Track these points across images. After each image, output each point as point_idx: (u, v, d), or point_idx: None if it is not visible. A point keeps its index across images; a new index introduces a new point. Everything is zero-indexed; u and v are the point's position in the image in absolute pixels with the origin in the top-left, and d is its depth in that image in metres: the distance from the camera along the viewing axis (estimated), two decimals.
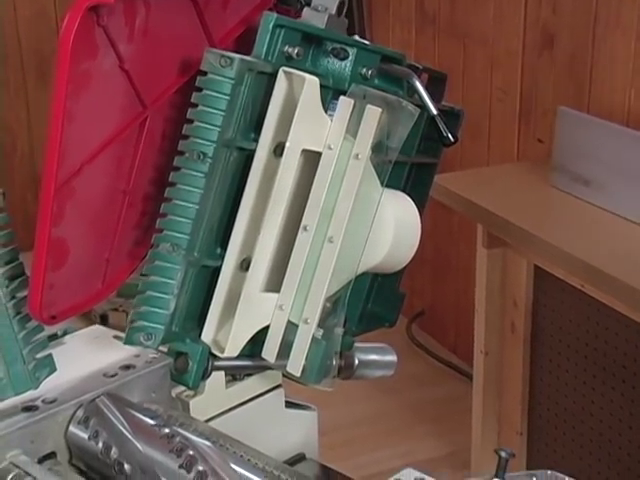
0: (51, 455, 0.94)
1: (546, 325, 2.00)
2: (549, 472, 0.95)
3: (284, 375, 1.18)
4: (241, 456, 0.91)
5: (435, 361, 3.13)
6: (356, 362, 1.21)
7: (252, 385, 1.14)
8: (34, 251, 0.89)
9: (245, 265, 1.06)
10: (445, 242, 3.10)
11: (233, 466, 0.87)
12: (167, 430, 0.91)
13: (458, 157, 2.76)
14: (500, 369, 2.13)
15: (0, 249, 0.92)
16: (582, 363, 1.95)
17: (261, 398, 1.15)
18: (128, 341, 1.00)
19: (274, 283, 1.07)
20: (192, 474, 0.87)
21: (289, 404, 1.20)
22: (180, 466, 0.88)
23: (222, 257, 1.05)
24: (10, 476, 0.90)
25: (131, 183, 0.98)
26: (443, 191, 2.02)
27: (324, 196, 1.04)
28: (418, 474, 0.85)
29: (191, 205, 0.99)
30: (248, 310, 1.06)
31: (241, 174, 1.04)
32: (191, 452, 0.89)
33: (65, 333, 1.06)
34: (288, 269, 1.06)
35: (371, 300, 1.31)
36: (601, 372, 1.91)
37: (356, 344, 1.24)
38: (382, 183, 1.08)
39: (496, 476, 0.88)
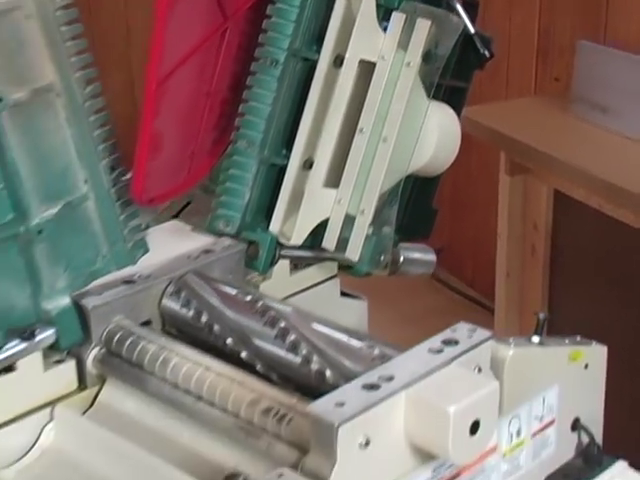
0: (147, 323, 1.09)
1: (565, 247, 2.13)
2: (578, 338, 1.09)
3: (339, 267, 1.32)
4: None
5: (454, 294, 3.28)
6: (401, 259, 1.35)
7: (312, 274, 1.28)
8: (138, 143, 1.03)
9: (308, 164, 1.20)
10: (463, 182, 3.23)
11: (314, 325, 1.01)
12: (250, 297, 1.06)
13: (477, 92, 2.88)
14: (521, 291, 2.27)
15: (103, 143, 1.05)
16: (601, 283, 2.09)
17: (319, 286, 1.29)
18: (210, 228, 1.15)
19: (334, 180, 1.21)
20: (275, 331, 1.02)
21: (343, 294, 1.34)
22: (264, 324, 1.03)
23: (288, 157, 1.19)
24: (117, 336, 1.05)
25: (213, 87, 1.12)
26: (467, 122, 2.14)
27: (379, 101, 1.18)
28: (471, 326, 0.98)
29: (264, 106, 1.13)
30: (311, 204, 1.20)
31: (305, 82, 1.18)
32: (273, 313, 1.03)
33: (148, 227, 1.20)
34: (346, 167, 1.20)
35: (408, 212, 1.45)
36: (620, 291, 2.04)
37: (400, 244, 1.38)
38: (429, 92, 1.22)
39: (535, 333, 1.01)
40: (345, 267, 1.30)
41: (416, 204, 1.43)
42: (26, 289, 1.02)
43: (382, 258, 1.27)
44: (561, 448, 1.04)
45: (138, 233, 1.10)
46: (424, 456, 0.91)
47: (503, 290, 2.26)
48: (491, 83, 2.80)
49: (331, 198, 1.20)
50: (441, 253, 3.41)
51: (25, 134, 0.99)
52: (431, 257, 1.41)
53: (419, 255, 1.39)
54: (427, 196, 1.44)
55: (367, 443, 0.86)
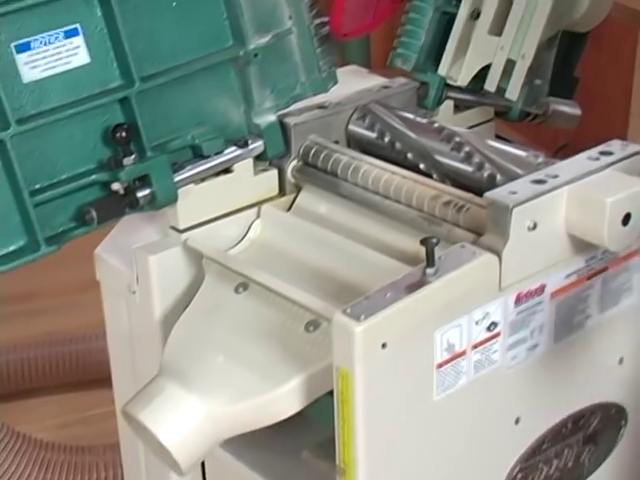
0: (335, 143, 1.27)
1: None
2: None
3: (495, 114, 1.48)
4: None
5: None
6: (550, 109, 1.50)
7: (471, 116, 1.44)
8: None
9: (475, 14, 1.36)
10: (592, 78, 3.31)
11: (486, 140, 1.18)
12: (436, 125, 1.22)
13: None
14: None
15: None
16: None
17: (477, 127, 1.45)
18: (390, 64, 1.33)
19: (497, 29, 1.36)
20: (451, 145, 1.19)
21: (497, 136, 1.50)
22: (441, 140, 1.20)
23: (458, 7, 1.35)
24: (313, 150, 1.23)
25: None
26: None
27: None
28: (624, 142, 1.13)
29: None
30: (476, 50, 1.36)
31: None
32: (448, 131, 1.20)
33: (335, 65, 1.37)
34: (510, 16, 1.34)
35: (553, 75, 1.59)
36: None
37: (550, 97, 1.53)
38: None
39: None
40: (501, 114, 1.46)
41: (561, 69, 1.57)
42: (241, 106, 1.22)
43: (534, 105, 1.43)
44: None
45: (330, 66, 1.27)
46: (579, 247, 1.08)
47: None
48: None
49: (495, 45, 1.36)
50: (565, 148, 3.54)
51: None
52: (577, 111, 1.55)
53: (567, 108, 1.53)
54: (572, 61, 1.58)
55: (534, 227, 1.04)
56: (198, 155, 1.18)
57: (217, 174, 1.20)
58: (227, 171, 1.21)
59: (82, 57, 1.10)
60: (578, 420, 1.17)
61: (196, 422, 1.04)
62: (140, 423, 1.06)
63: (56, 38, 1.07)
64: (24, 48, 1.06)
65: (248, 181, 1.23)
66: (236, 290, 1.15)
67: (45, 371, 2.22)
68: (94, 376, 2.21)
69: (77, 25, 1.09)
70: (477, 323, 1.03)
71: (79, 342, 2.25)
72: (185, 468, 1.05)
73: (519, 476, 1.13)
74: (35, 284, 2.60)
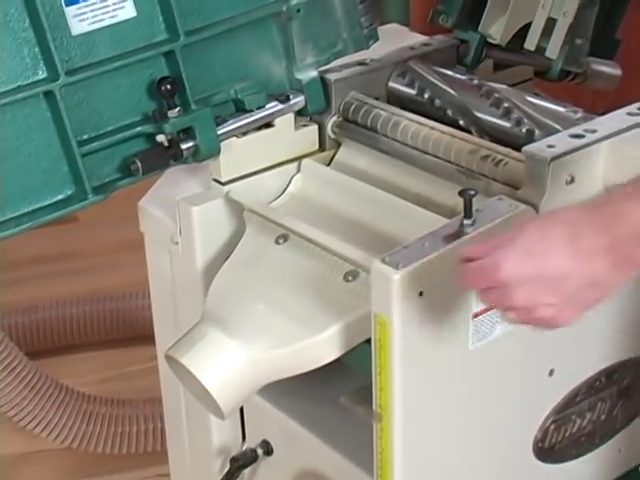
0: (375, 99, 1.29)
1: None
2: None
3: (535, 73, 1.48)
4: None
5: None
6: (590, 69, 1.50)
7: (511, 74, 1.43)
8: None
9: None
10: (634, 44, 3.28)
11: (525, 96, 1.19)
12: (476, 81, 1.24)
13: None
14: None
15: None
16: None
17: (517, 86, 1.45)
18: (431, 21, 1.34)
19: None
20: (490, 101, 1.20)
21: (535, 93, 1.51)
22: (480, 96, 1.21)
23: None
24: (353, 106, 1.25)
25: None
26: None
27: None
28: None
29: None
30: (517, 8, 1.36)
31: None
32: (487, 88, 1.21)
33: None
34: None
35: (594, 36, 1.59)
36: None
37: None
38: None
39: None
40: (540, 73, 1.47)
41: (602, 29, 1.57)
42: (282, 62, 1.23)
43: (574, 64, 1.43)
44: None
45: (371, 23, 1.29)
46: None
47: None
48: None
49: (536, 3, 1.36)
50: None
51: None
52: (618, 72, 1.55)
53: (607, 68, 1.53)
54: (614, 21, 1.57)
55: (572, 180, 1.05)
56: (240, 109, 1.20)
57: (259, 128, 1.23)
58: (268, 125, 1.23)
59: (129, 11, 1.12)
60: (612, 374, 1.18)
61: (237, 367, 1.07)
62: (183, 366, 1.09)
63: None
64: (73, 1, 1.08)
65: (289, 136, 1.25)
66: (276, 241, 1.17)
67: (87, 328, 2.26)
68: (134, 333, 2.25)
69: None
70: None
71: (119, 300, 2.29)
72: (226, 411, 1.08)
73: (552, 427, 1.15)
74: (77, 244, 2.65)
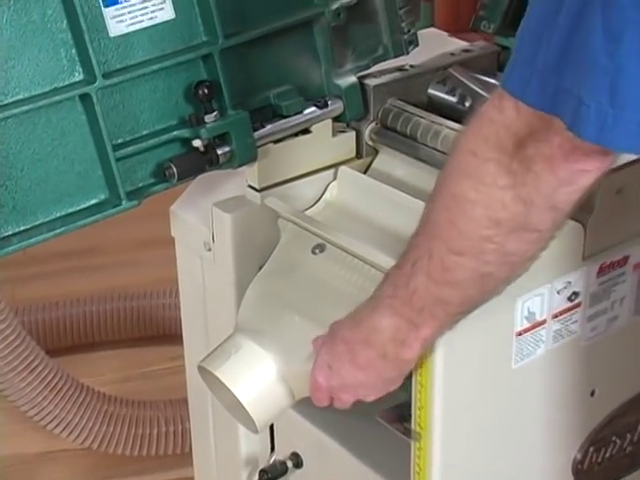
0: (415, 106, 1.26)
1: None
2: None
3: None
4: None
5: None
6: None
7: None
8: None
9: None
10: None
11: None
12: None
13: None
14: None
15: None
16: None
17: None
18: (473, 26, 1.31)
19: None
20: None
21: None
22: None
23: None
24: (392, 113, 1.22)
25: None
26: None
27: None
28: None
29: None
30: None
31: None
32: None
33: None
34: None
35: None
36: None
37: None
38: None
39: None
40: None
41: None
42: (321, 67, 1.20)
43: None
44: None
45: (412, 28, 1.26)
46: None
47: None
48: None
49: None
50: None
51: None
52: None
53: None
54: None
55: (621, 193, 1.02)
56: (278, 114, 1.18)
57: (296, 134, 1.20)
58: (306, 131, 1.21)
59: (167, 12, 1.09)
60: None
61: (272, 380, 1.05)
62: (216, 379, 1.06)
63: None
64: (112, 2, 1.06)
65: (326, 142, 1.22)
66: (312, 251, 1.14)
67: (107, 326, 2.24)
68: (154, 332, 2.23)
69: None
70: (558, 292, 1.02)
71: (140, 298, 2.27)
72: (260, 426, 1.06)
73: (592, 449, 1.13)
74: (97, 240, 2.62)
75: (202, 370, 1.09)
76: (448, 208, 0.86)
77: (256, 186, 1.19)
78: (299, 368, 1.06)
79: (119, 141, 1.09)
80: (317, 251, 1.15)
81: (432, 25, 2.43)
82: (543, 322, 1.02)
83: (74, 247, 2.63)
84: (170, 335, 2.20)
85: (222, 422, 1.31)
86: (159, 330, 2.24)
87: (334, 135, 1.23)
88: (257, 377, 1.05)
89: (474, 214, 0.83)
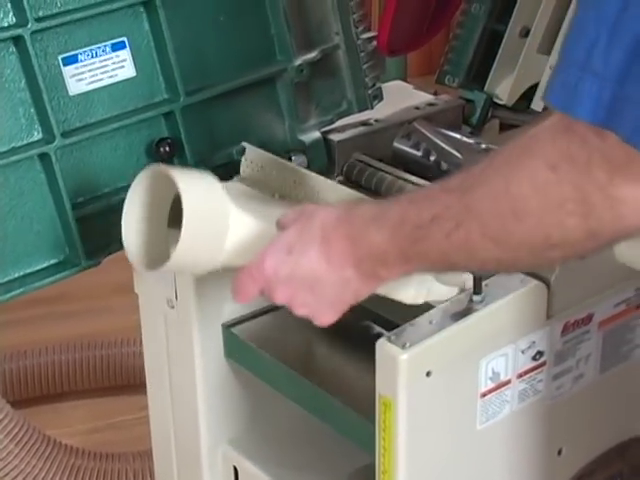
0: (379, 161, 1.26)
1: None
2: None
3: None
4: None
5: None
6: None
7: (518, 134, 1.42)
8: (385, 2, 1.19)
9: (524, 32, 1.34)
10: None
11: None
12: (483, 146, 1.20)
13: None
14: None
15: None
16: None
17: None
18: (438, 80, 1.31)
19: (547, 47, 1.34)
20: None
21: None
22: None
23: (506, 24, 1.33)
24: (357, 167, 1.22)
25: None
26: None
27: None
28: None
29: None
30: (524, 68, 1.34)
31: None
32: None
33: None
34: (560, 34, 1.32)
35: None
36: None
37: None
38: None
39: None
40: None
41: None
42: (285, 122, 1.21)
43: None
44: None
45: (376, 82, 1.26)
46: (630, 275, 1.05)
47: None
48: None
49: (543, 63, 1.33)
50: None
51: None
52: None
53: None
54: None
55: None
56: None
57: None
58: None
59: (128, 70, 1.09)
60: (623, 451, 1.14)
61: (218, 208, 0.95)
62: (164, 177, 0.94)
63: (103, 51, 1.07)
64: (71, 61, 1.05)
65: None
66: None
67: (76, 375, 2.21)
68: (124, 382, 2.20)
69: (124, 38, 1.08)
70: (523, 352, 1.01)
71: (110, 347, 2.24)
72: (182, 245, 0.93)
73: None
74: (68, 286, 2.58)
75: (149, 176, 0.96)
76: (498, 200, 0.78)
77: None
78: (251, 224, 0.96)
79: (79, 200, 1.09)
80: None
81: (405, 72, 2.45)
82: (508, 382, 1.01)
83: (44, 293, 2.58)
84: (141, 384, 2.15)
85: (187, 472, 1.29)
86: (130, 379, 2.21)
87: None
88: (207, 194, 0.95)
89: (525, 226, 0.77)
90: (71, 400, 2.23)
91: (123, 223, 0.98)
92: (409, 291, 0.99)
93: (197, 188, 0.94)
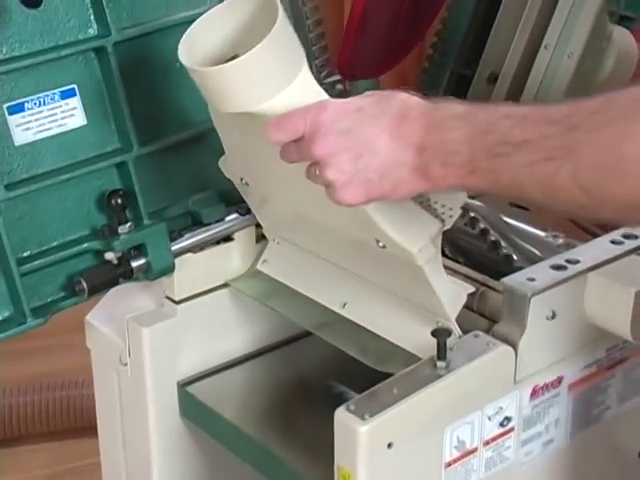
0: None
1: None
2: None
3: None
4: None
5: None
6: None
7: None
8: (348, 23, 1.14)
9: (492, 78, 1.30)
10: None
11: (503, 217, 1.12)
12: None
13: None
14: None
15: (316, 45, 1.18)
16: None
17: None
18: None
19: (515, 93, 1.30)
20: (476, 231, 1.12)
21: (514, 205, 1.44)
22: (465, 224, 1.12)
23: (474, 70, 1.30)
24: None
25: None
26: None
27: (565, 18, 1.26)
28: None
29: (462, 25, 1.24)
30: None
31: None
32: (472, 214, 1.13)
33: None
34: (529, 80, 1.28)
35: None
36: None
37: None
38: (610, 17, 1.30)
39: None
40: None
41: None
42: None
43: None
44: None
45: None
46: (600, 336, 1.01)
47: None
48: None
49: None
50: None
51: None
52: None
53: None
54: None
55: (553, 316, 0.97)
56: (197, 222, 1.12)
57: (217, 242, 1.14)
58: (228, 239, 1.15)
59: (78, 119, 1.04)
60: None
61: None
62: None
63: (51, 99, 1.02)
64: (17, 109, 1.00)
65: (250, 249, 1.16)
66: None
67: (35, 417, 2.14)
68: (85, 423, 2.14)
69: (74, 85, 1.03)
70: (489, 418, 0.96)
71: (71, 388, 2.18)
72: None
73: None
74: None
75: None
76: (605, 154, 0.74)
77: (174, 298, 1.13)
78: (320, 91, 0.87)
79: (25, 254, 1.03)
80: None
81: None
82: (474, 450, 0.96)
83: None
84: None
85: None
86: (91, 420, 2.12)
87: (258, 241, 1.18)
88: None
89: (625, 186, 0.73)
90: (29, 444, 2.15)
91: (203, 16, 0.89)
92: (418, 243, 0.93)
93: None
